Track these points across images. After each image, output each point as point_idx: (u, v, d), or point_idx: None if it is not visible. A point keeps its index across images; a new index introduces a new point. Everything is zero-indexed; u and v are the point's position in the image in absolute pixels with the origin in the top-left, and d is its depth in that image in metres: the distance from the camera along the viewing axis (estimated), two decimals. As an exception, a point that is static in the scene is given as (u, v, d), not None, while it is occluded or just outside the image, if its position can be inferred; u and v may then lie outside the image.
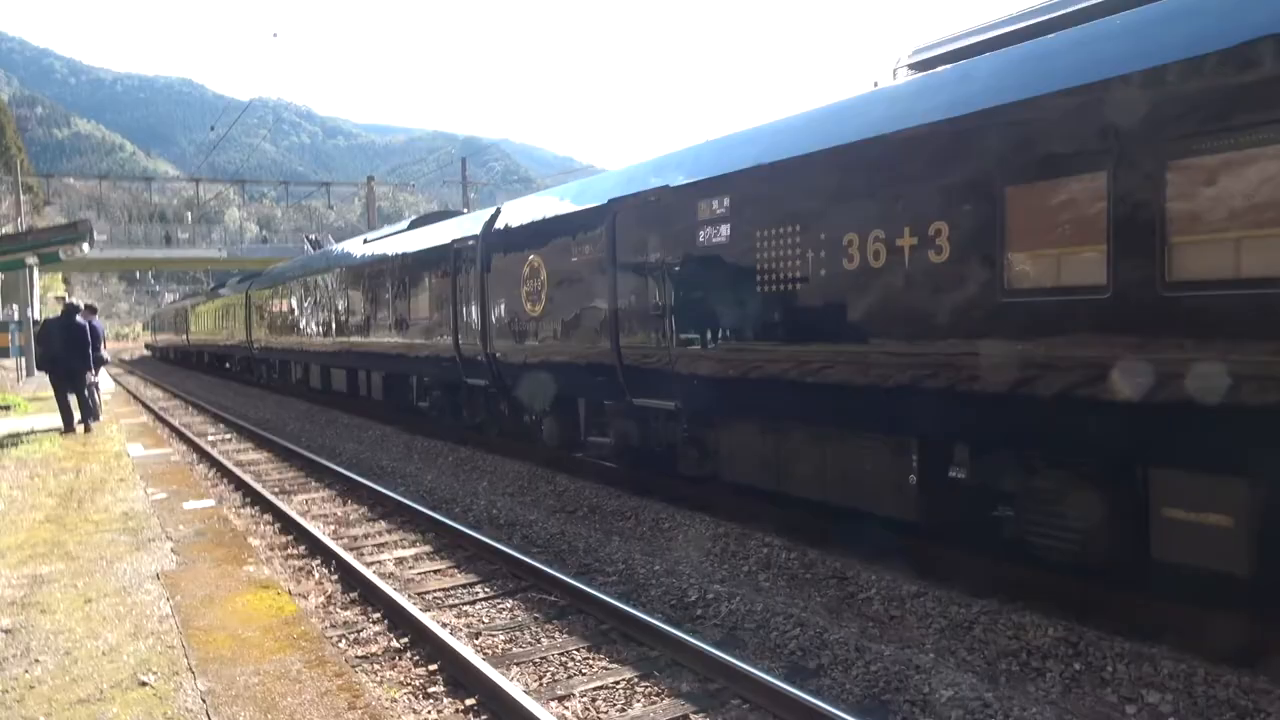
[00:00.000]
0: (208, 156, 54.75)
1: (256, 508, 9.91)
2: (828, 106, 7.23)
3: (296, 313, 22.51)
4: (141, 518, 7.82)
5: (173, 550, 6.72)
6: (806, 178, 6.78)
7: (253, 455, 14.16)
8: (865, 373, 6.35)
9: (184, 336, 45.94)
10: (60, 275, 69.61)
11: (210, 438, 16.42)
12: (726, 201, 7.64)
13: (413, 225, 16.52)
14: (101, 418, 15.40)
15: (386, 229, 18.59)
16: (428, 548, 8.03)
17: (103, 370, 14.49)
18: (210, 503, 8.75)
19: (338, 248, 22.03)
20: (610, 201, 9.28)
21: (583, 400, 10.46)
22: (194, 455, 14.03)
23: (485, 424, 13.77)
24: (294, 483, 11.64)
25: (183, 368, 46.63)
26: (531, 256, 10.85)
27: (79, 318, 13.69)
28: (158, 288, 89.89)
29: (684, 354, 8.24)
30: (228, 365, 37.04)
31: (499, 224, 11.95)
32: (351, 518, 9.43)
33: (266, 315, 25.80)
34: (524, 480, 11.04)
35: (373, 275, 16.74)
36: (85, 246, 11.60)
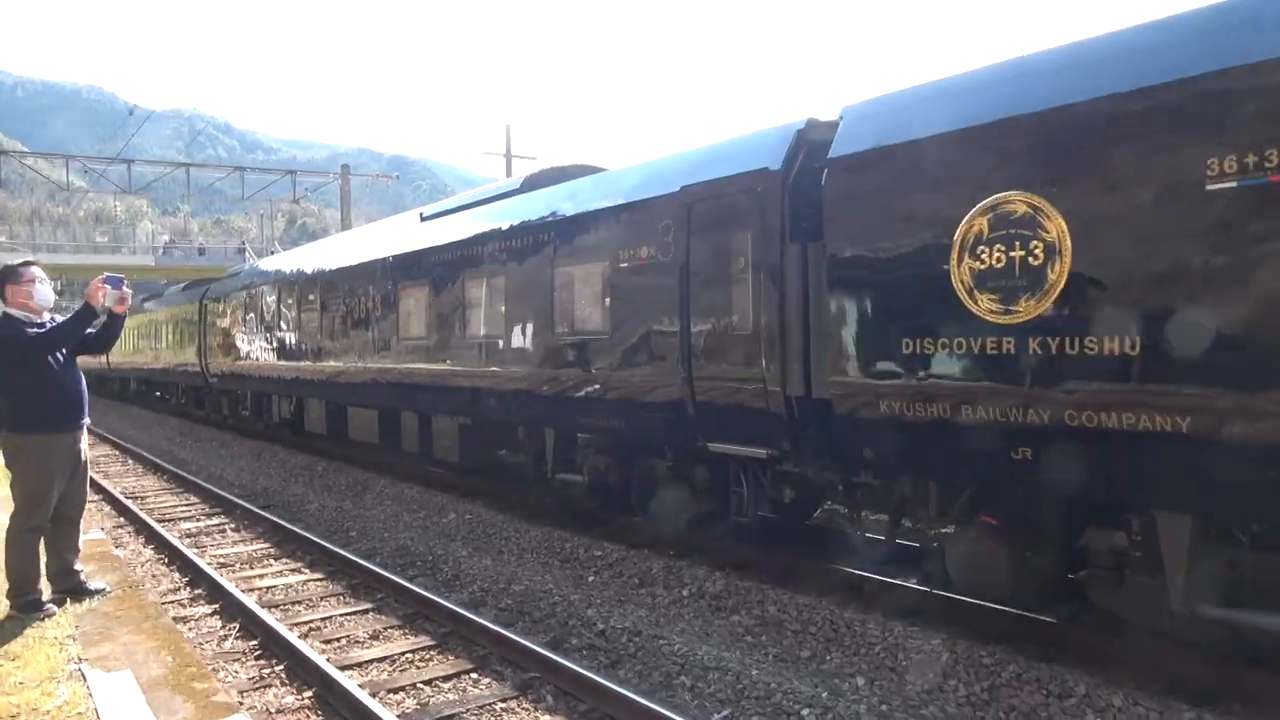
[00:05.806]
0: (110, 164, 46.83)
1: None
2: None
3: (290, 328, 15.93)
4: None
5: None
6: None
7: (289, 579, 7.77)
8: None
9: (103, 358, 37.91)
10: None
11: (185, 524, 9.89)
12: None
13: (527, 185, 10.39)
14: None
15: (461, 197, 12.35)
16: None
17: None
18: None
19: (357, 233, 15.61)
20: None
21: (1189, 519, 4.53)
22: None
23: (716, 527, 7.75)
24: (440, 687, 5.39)
25: (102, 396, 38.60)
26: (999, 198, 4.97)
27: None
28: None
29: None
30: (159, 394, 29.72)
31: (844, 142, 5.98)
32: None
33: (234, 332, 18.98)
34: (954, 684, 5.10)
35: (454, 265, 10.54)
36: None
